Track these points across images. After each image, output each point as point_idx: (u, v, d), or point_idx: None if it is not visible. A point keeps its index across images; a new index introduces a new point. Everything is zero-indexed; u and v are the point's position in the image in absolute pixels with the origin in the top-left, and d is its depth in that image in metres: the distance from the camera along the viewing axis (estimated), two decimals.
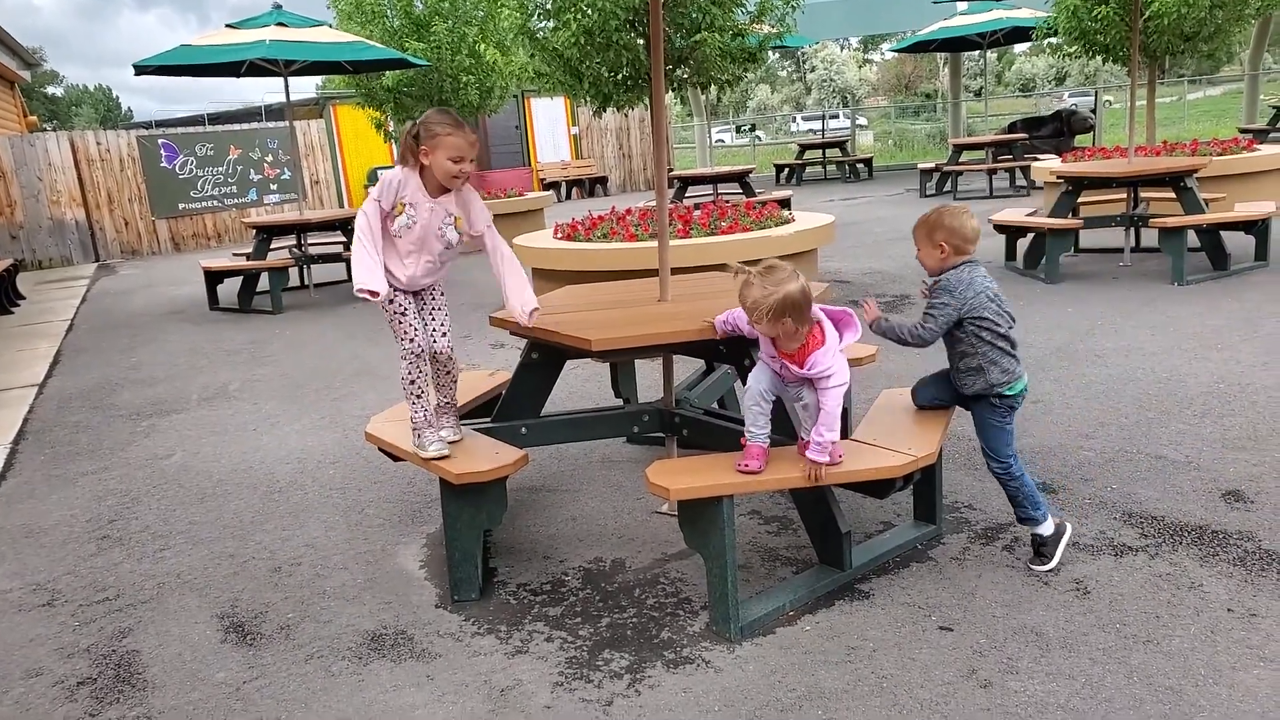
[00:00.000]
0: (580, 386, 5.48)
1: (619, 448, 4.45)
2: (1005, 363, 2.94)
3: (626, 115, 22.45)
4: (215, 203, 17.36)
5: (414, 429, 3.13)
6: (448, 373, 3.22)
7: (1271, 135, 16.16)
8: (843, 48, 64.95)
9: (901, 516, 3.43)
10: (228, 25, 9.79)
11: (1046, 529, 3.00)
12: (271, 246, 10.09)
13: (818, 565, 3.05)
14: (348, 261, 9.16)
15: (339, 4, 11.86)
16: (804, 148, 21.47)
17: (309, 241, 10.29)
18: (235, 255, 11.01)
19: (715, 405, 4.06)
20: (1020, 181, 14.82)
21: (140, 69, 9.25)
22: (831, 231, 7.62)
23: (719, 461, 2.88)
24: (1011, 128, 18.92)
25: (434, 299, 3.15)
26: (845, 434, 3.00)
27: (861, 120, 38.63)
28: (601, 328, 3.17)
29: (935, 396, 3.20)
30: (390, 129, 13.11)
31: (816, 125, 41.34)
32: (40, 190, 15.78)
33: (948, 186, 15.13)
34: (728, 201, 8.97)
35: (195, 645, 2.95)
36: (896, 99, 56.31)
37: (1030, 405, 4.48)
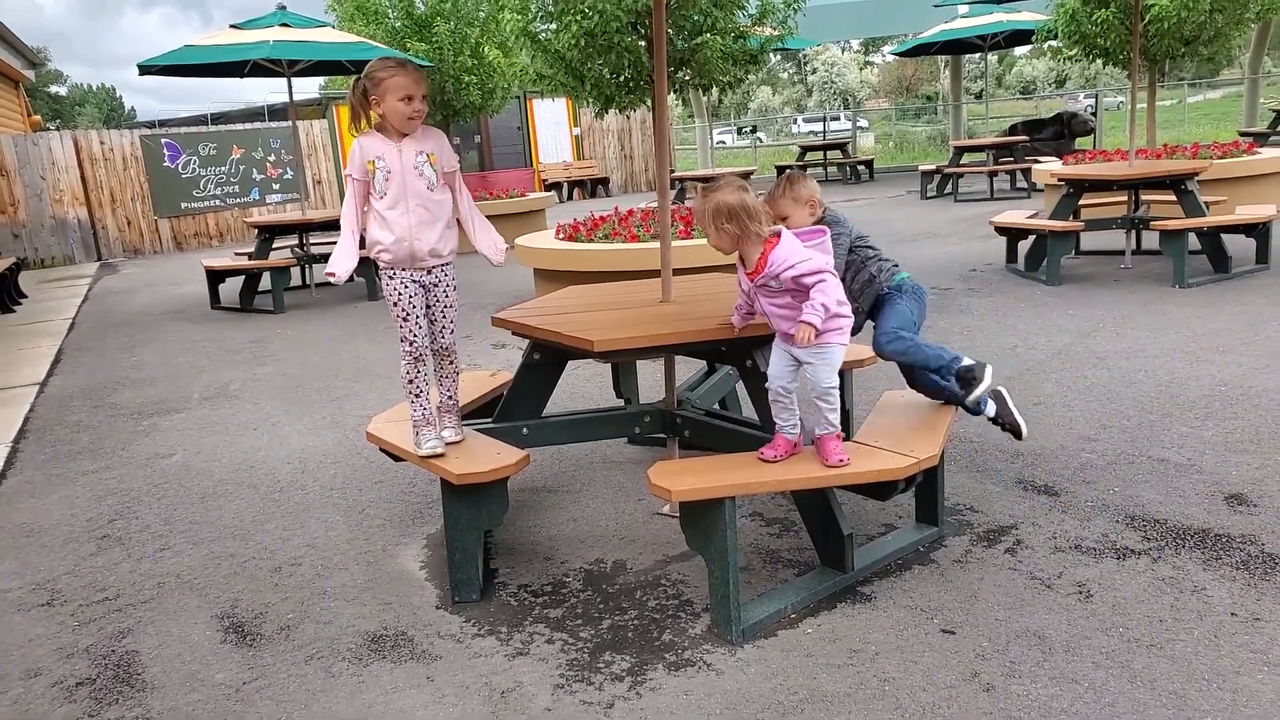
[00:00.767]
0: (581, 387, 5.48)
1: (620, 448, 4.45)
2: (883, 263, 3.44)
3: (628, 117, 22.44)
4: (217, 202, 17.38)
5: (414, 427, 3.15)
6: (450, 362, 3.25)
7: (1272, 139, 16.14)
8: (844, 50, 65.03)
9: (903, 519, 3.42)
10: (232, 26, 9.83)
11: (967, 363, 3.19)
12: (273, 246, 10.10)
13: (819, 567, 3.05)
14: None
15: (338, 8, 11.86)
16: (805, 149, 21.51)
17: (311, 241, 10.29)
18: (237, 255, 11.01)
19: (717, 406, 4.05)
20: (1021, 184, 14.81)
21: (145, 69, 9.28)
22: None
23: (721, 463, 2.87)
24: (1012, 130, 18.92)
25: (446, 295, 3.16)
26: (846, 436, 2.99)
27: (863, 122, 38.70)
28: (604, 329, 3.17)
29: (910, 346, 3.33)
30: None
31: (818, 127, 41.47)
32: (43, 189, 15.80)
33: (949, 188, 15.12)
34: None
35: (195, 645, 2.94)
36: (897, 101, 56.37)
37: (1032, 407, 4.47)
